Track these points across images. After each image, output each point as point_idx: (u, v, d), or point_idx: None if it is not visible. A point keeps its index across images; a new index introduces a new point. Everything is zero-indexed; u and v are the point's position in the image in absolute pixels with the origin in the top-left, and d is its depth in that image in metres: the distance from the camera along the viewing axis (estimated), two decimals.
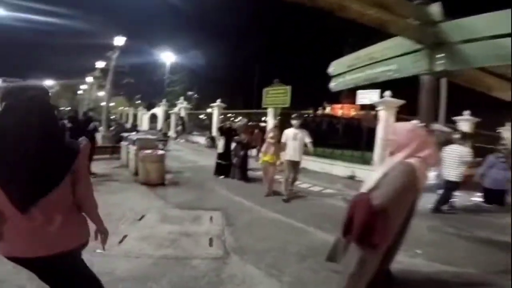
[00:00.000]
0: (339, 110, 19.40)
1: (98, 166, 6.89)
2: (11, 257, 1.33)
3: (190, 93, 31.40)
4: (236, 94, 29.22)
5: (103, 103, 14.42)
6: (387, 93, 7.42)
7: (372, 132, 8.24)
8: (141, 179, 5.87)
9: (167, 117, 20.14)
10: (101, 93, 23.34)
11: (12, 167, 1.22)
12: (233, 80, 32.45)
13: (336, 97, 18.19)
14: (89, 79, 27.59)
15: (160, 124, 20.29)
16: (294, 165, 5.37)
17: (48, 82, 40.56)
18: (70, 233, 1.38)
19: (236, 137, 6.89)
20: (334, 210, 4.71)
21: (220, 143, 7.09)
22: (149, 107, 26.19)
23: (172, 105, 21.24)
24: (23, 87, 1.32)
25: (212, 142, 13.86)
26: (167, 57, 27.08)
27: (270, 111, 10.56)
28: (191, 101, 26.17)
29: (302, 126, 5.55)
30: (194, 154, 11.29)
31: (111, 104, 34.83)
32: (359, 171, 7.82)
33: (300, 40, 29.37)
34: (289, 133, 5.39)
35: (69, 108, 23.38)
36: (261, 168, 5.98)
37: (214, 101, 14.99)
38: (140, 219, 3.87)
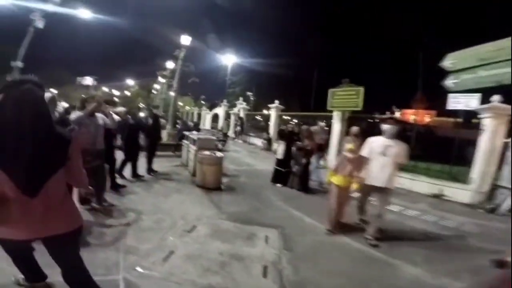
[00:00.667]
0: (411, 115, 16.93)
1: (160, 164, 7.02)
2: (9, 240, 1.44)
3: (249, 93, 31.75)
4: (293, 96, 28.46)
5: (180, 103, 15.39)
6: (496, 97, 5.78)
7: (464, 143, 6.70)
8: (198, 181, 5.68)
9: (227, 117, 20.56)
10: (171, 93, 25.25)
11: (13, 154, 1.29)
12: (290, 81, 31.82)
13: (406, 101, 15.90)
14: (161, 79, 30.28)
15: (220, 123, 20.82)
16: (382, 194, 3.65)
17: (129, 82, 46.18)
18: (72, 210, 1.57)
19: (298, 143, 6.19)
20: (422, 237, 3.70)
21: (280, 148, 6.44)
22: (212, 107, 27.30)
23: (232, 105, 21.64)
24: (20, 81, 1.40)
25: (269, 144, 13.43)
26: (229, 58, 27.79)
27: (337, 115, 9.55)
28: (249, 102, 26.38)
29: (395, 135, 3.67)
30: (251, 157, 10.98)
31: (180, 103, 37.81)
32: (448, 189, 6.38)
33: (363, 40, 27.16)
34: (375, 144, 3.69)
35: (143, 105, 26.00)
36: (326, 190, 4.69)
37: (271, 103, 14.55)
38: (191, 230, 3.51)
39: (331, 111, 9.75)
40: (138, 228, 3.43)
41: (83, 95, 6.34)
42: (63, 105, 7.52)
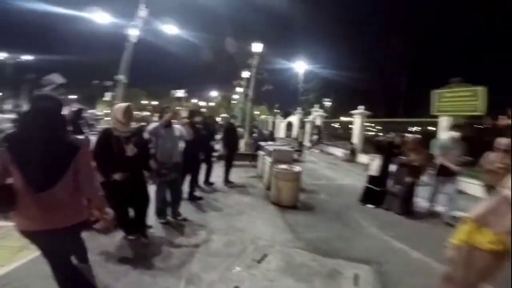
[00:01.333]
0: None
1: (236, 174, 6.86)
2: (25, 231, 1.67)
3: (325, 100, 30.18)
4: (377, 101, 25.56)
5: (256, 112, 15.68)
6: None
7: None
8: (272, 197, 5.18)
9: (301, 125, 19.80)
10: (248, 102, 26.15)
11: (30, 158, 1.60)
12: (373, 85, 28.76)
13: None
14: (238, 88, 31.66)
15: (295, 132, 20.19)
16: None
17: (213, 93, 50.43)
18: (79, 207, 1.78)
19: (401, 157, 4.98)
20: None
21: (375, 163, 5.30)
22: (285, 115, 26.97)
23: (306, 113, 20.79)
24: (40, 96, 1.96)
25: (352, 155, 12.07)
26: (300, 66, 27.09)
27: (444, 121, 7.73)
28: (324, 109, 24.95)
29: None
30: (331, 169, 9.94)
31: (256, 112, 38.94)
32: None
33: (460, 38, 22.44)
34: None
35: (225, 115, 27.70)
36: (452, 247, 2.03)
37: (350, 109, 13.11)
38: (260, 260, 2.98)
39: (433, 117, 7.97)
40: (206, 251, 3.10)
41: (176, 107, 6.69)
42: (74, 107, 7.85)
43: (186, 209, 4.23)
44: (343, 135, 14.04)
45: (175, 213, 3.91)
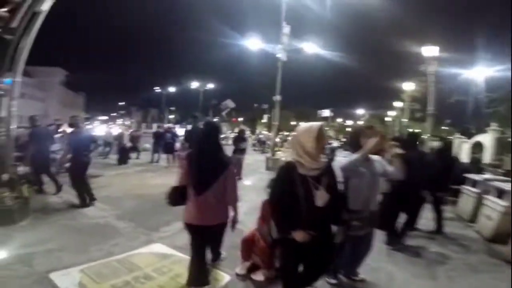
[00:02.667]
0: None
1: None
2: (191, 225, 2.30)
3: None
4: None
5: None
6: None
7: None
8: (505, 253, 3.23)
9: (500, 145, 14.16)
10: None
11: (201, 167, 2.25)
12: None
13: None
14: (397, 103, 27.40)
15: (487, 155, 14.74)
16: None
17: (359, 111, 47.08)
18: (220, 213, 2.34)
19: None
20: None
21: None
22: (464, 133, 20.54)
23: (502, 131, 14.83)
24: (208, 123, 2.71)
25: None
26: (479, 71, 19.87)
27: None
28: None
29: None
30: None
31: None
32: None
33: None
34: None
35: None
36: None
37: None
38: None
39: None
40: None
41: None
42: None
43: (379, 262, 3.11)
44: None
45: (353, 272, 2.81)
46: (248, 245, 2.85)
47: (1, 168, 4.27)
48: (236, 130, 10.26)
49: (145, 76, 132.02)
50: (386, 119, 36.36)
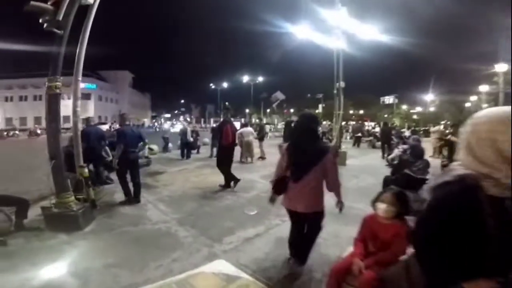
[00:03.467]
0: None
1: None
2: (288, 209, 2.56)
3: None
4: None
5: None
6: None
7: None
8: None
9: None
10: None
11: (298, 156, 2.45)
12: None
13: None
14: (482, 87, 23.52)
15: None
16: None
17: (429, 97, 41.30)
18: (317, 201, 2.46)
19: None
20: None
21: None
22: None
23: None
24: (303, 114, 2.89)
25: None
26: None
27: None
28: None
29: None
30: None
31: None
32: None
33: None
34: None
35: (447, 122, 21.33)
36: None
37: None
38: None
39: None
40: None
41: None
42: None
43: None
44: None
45: None
46: (341, 276, 2.09)
47: (70, 169, 4.29)
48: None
49: (200, 73, 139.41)
50: (466, 105, 31.13)
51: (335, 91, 9.11)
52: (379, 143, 14.94)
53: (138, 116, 61.07)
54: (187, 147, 9.36)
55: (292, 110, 40.11)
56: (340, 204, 2.48)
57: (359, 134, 15.56)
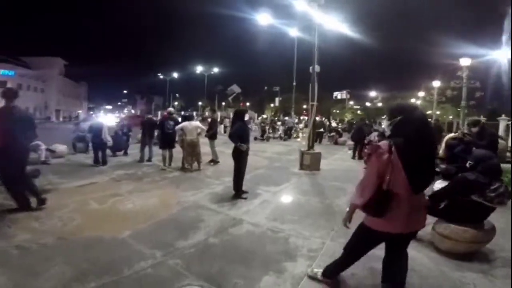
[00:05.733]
0: None
1: None
2: (392, 233, 1.75)
3: None
4: None
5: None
6: None
7: None
8: None
9: None
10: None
11: (421, 157, 1.68)
12: None
13: None
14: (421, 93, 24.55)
15: None
16: None
17: (372, 93, 43.24)
18: (423, 217, 1.84)
19: None
20: None
21: None
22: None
23: None
24: (408, 105, 2.04)
25: None
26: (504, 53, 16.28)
27: None
28: None
29: None
30: None
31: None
32: None
33: None
34: None
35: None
36: None
37: None
38: None
39: None
40: None
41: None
42: None
43: None
44: None
45: None
46: None
47: None
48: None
49: (147, 61, 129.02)
50: (412, 100, 32.81)
51: (294, 83, 7.49)
52: (341, 139, 13.87)
53: (71, 107, 53.30)
54: (101, 148, 6.55)
55: (248, 104, 38.34)
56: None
57: (321, 130, 14.43)
